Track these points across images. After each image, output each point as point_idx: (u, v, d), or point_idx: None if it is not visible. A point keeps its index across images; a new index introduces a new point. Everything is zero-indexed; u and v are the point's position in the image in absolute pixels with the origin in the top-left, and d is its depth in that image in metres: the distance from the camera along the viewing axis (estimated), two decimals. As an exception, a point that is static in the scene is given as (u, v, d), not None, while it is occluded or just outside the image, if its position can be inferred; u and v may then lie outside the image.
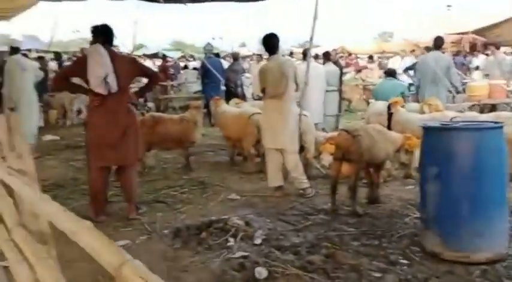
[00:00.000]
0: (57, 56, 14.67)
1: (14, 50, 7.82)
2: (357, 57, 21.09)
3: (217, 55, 12.82)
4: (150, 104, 11.48)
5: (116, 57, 4.44)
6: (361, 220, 4.38)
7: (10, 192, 2.13)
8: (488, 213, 3.42)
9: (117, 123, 4.43)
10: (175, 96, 13.51)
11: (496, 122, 3.82)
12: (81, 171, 6.38)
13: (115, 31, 4.67)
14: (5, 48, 10.82)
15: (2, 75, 7.63)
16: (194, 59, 19.64)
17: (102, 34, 4.47)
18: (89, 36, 4.64)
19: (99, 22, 4.61)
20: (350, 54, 19.91)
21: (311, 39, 5.95)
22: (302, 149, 5.72)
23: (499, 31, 14.45)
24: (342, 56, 21.05)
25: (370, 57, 17.17)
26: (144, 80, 5.34)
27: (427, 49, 8.01)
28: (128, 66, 4.52)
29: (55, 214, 1.25)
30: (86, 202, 4.94)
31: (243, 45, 33.48)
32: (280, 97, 5.18)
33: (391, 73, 8.46)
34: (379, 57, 19.86)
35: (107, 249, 0.91)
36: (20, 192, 1.69)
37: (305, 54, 7.46)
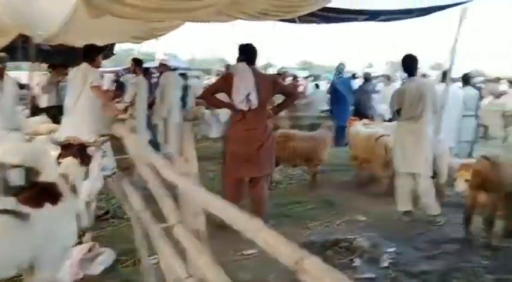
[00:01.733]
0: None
1: (170, 68, 8.65)
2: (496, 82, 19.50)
3: (353, 76, 12.83)
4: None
5: (258, 76, 4.77)
6: (496, 254, 4.13)
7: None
8: None
9: (255, 138, 4.72)
10: (304, 115, 13.72)
11: None
12: (213, 181, 6.66)
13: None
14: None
15: (154, 91, 8.46)
16: (320, 79, 19.79)
17: (247, 53, 4.83)
18: (222, 55, 5.01)
19: (239, 42, 5.00)
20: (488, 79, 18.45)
21: (452, 61, 5.73)
22: (435, 174, 5.52)
23: None
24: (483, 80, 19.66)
25: (510, 81, 15.73)
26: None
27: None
28: (268, 84, 4.82)
29: (227, 213, 1.46)
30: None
31: (370, 66, 32.96)
32: (416, 120, 5.08)
33: None
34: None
35: (285, 245, 1.06)
36: (190, 192, 1.96)
37: (444, 76, 7.14)
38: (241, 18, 6.08)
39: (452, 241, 4.50)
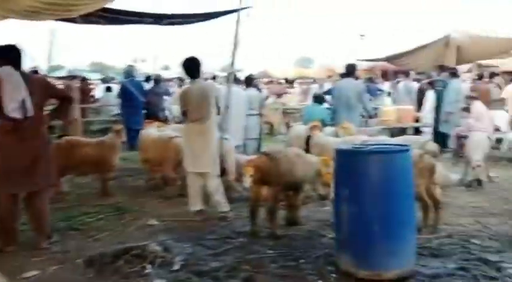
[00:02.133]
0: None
1: None
2: (279, 83, 21.72)
3: (147, 78, 12.64)
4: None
5: (29, 80, 4.26)
6: (279, 242, 4.45)
7: None
8: (398, 233, 3.60)
9: (29, 148, 4.22)
10: (95, 120, 13.04)
11: (404, 145, 4.08)
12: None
13: (30, 52, 4.46)
14: None
15: None
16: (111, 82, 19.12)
17: (9, 55, 4.25)
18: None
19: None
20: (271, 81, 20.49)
21: (232, 63, 6.05)
22: (223, 172, 5.74)
23: (407, 59, 15.48)
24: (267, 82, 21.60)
25: (290, 82, 17.74)
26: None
27: (341, 75, 8.44)
28: (41, 88, 4.36)
29: None
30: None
31: (166, 68, 33.23)
32: (202, 121, 5.20)
33: (318, 98, 8.77)
34: (300, 83, 20.60)
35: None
36: None
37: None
38: (12, 17, 5.51)
39: (240, 235, 4.70)
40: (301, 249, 4.21)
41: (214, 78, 18.21)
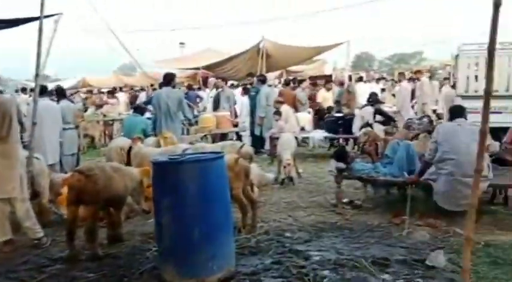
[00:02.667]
0: None
1: None
2: (100, 92, 20.77)
3: None
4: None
5: None
6: (102, 262, 4.25)
7: None
8: (217, 237, 3.75)
9: None
10: None
11: (217, 152, 4.27)
12: None
13: None
14: None
15: None
16: None
17: None
18: None
19: None
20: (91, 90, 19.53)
21: (37, 75, 5.59)
22: (35, 194, 5.26)
23: (224, 67, 16.31)
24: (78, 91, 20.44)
25: (111, 92, 17.10)
26: None
27: (160, 84, 8.45)
28: None
29: None
30: None
31: None
32: (3, 140, 4.65)
33: (138, 109, 8.58)
34: (126, 91, 20.00)
35: None
36: None
37: (43, 91, 6.81)
38: None
39: (58, 261, 4.36)
40: (124, 267, 4.10)
41: (24, 90, 16.61)
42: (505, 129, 7.48)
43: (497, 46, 7.26)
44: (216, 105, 10.89)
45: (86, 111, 14.77)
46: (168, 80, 8.17)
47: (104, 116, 13.96)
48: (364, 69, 40.70)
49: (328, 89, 14.13)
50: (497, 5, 2.13)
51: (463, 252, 3.00)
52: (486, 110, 2.79)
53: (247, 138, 10.35)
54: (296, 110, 11.21)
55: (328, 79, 16.61)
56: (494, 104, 7.30)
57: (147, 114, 9.51)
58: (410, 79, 14.01)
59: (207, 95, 14.30)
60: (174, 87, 8.31)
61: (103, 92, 19.93)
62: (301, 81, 15.35)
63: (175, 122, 7.86)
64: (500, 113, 7.50)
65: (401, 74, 15.44)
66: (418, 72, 13.59)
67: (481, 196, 5.26)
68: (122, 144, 6.94)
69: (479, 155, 2.89)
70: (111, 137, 12.51)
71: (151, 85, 15.38)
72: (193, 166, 3.77)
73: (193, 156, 4.15)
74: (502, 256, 4.07)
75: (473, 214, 2.90)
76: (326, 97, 13.72)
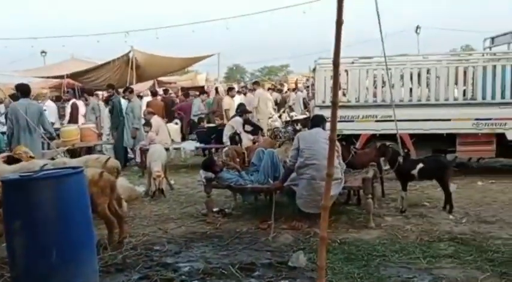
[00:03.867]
0: None
1: None
2: None
3: None
4: None
5: None
6: None
7: None
8: (78, 256, 3.54)
9: None
10: None
11: (76, 167, 4.03)
12: None
13: None
14: None
15: None
16: None
17: None
18: None
19: None
20: None
21: None
22: None
23: (90, 76, 15.50)
24: None
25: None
26: None
27: (14, 97, 7.71)
28: None
29: None
30: None
31: None
32: None
33: None
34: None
35: None
36: None
37: None
38: None
39: None
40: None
41: None
42: (356, 136, 8.30)
43: (347, 60, 8.11)
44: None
45: None
46: (25, 90, 7.52)
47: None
48: (237, 80, 41.87)
49: (232, 96, 13.88)
50: (339, 23, 2.35)
51: (319, 251, 3.20)
52: (334, 119, 3.02)
53: (111, 151, 9.86)
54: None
55: (201, 90, 16.73)
56: (346, 113, 8.08)
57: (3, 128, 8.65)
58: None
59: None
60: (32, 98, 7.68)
61: None
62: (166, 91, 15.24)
63: (34, 136, 7.26)
64: (353, 121, 8.23)
65: (255, 83, 15.95)
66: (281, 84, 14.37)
67: (338, 198, 5.75)
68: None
69: (329, 160, 3.14)
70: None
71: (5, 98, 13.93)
72: (47, 183, 3.51)
73: (48, 172, 3.87)
74: (355, 252, 4.45)
75: (327, 215, 3.14)
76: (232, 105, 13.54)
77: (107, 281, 3.93)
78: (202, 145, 10.33)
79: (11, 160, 5.89)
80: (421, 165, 6.02)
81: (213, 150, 10.47)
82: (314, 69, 8.71)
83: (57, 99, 15.15)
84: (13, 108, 7.48)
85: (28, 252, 3.42)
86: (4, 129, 8.84)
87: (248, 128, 9.67)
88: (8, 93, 14.37)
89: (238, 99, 14.61)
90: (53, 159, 6.58)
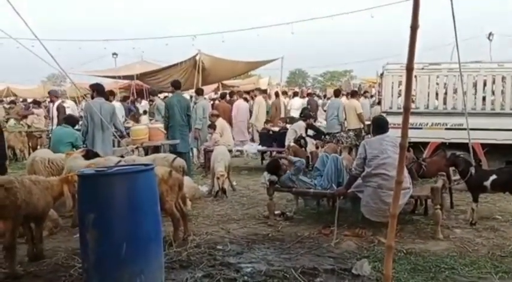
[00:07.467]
0: None
1: None
2: (25, 102, 19.77)
3: None
4: None
5: None
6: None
7: None
8: (146, 252, 3.65)
9: None
10: None
11: (147, 165, 4.18)
12: None
13: None
14: None
15: None
16: None
17: None
18: None
19: None
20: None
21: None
22: None
23: (158, 78, 16.03)
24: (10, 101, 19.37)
25: (36, 103, 16.25)
26: None
27: (92, 96, 8.13)
28: None
29: None
30: None
31: None
32: None
33: (69, 120, 8.15)
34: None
35: None
36: None
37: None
38: None
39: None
40: (45, 286, 3.89)
41: None
42: (424, 144, 8.00)
43: (417, 66, 7.85)
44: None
45: (7, 121, 13.96)
46: (101, 91, 7.92)
47: (29, 127, 13.25)
48: (298, 85, 41.79)
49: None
50: (414, 28, 2.28)
51: (385, 260, 3.11)
52: (405, 125, 2.94)
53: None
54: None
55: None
56: (415, 120, 7.81)
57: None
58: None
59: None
60: (107, 98, 8.08)
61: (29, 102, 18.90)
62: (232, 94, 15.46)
63: (106, 134, 7.62)
64: (421, 128, 7.96)
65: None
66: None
67: (404, 207, 5.57)
68: (54, 157, 6.57)
69: (399, 166, 3.05)
70: (34, 149, 11.86)
71: (85, 95, 14.72)
72: (120, 178, 3.66)
73: (121, 168, 4.04)
74: (422, 263, 4.29)
75: (394, 223, 3.05)
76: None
77: (172, 276, 4.03)
78: (264, 148, 10.37)
79: (90, 155, 6.21)
80: (494, 176, 5.71)
81: (274, 153, 10.49)
82: (382, 74, 8.51)
83: (124, 100, 15.81)
84: (88, 107, 7.89)
85: (100, 245, 3.56)
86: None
87: (311, 132, 9.61)
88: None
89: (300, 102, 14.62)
90: (122, 156, 6.84)
